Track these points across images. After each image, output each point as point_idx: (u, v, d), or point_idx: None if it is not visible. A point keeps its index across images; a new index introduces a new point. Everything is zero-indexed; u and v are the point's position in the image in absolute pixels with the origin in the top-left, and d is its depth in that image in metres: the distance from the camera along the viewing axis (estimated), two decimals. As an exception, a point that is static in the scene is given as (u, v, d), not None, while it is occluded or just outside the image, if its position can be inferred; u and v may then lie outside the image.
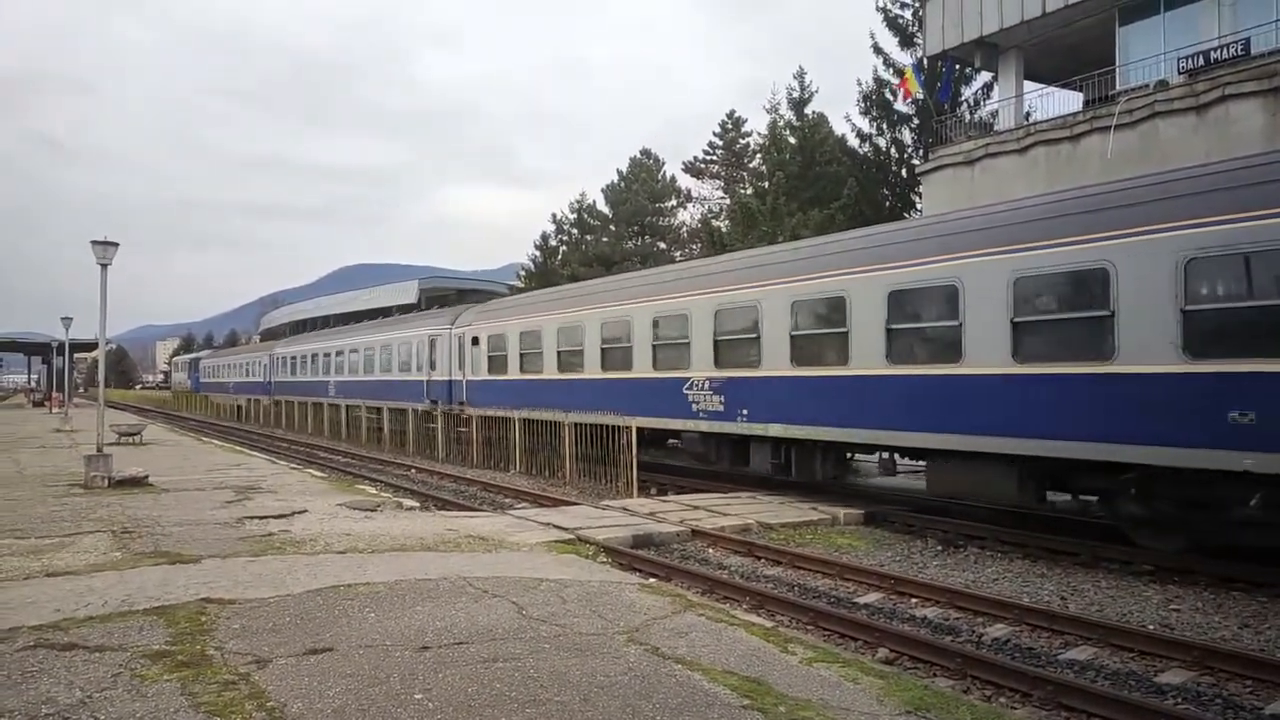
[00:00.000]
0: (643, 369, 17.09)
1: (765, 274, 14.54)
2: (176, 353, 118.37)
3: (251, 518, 11.64)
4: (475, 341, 23.91)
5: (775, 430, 13.87)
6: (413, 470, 22.21)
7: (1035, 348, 10.48)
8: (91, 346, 50.68)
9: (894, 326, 12.06)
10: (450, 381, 25.15)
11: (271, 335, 63.92)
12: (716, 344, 15.15)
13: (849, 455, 13.86)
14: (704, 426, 15.43)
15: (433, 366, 26.20)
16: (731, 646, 6.12)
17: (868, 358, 12.37)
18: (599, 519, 12.08)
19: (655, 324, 16.78)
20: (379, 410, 29.66)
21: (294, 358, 40.56)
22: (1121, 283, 9.63)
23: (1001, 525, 11.84)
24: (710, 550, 11.03)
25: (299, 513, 12.14)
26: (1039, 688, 6.14)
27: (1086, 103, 25.23)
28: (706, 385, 15.37)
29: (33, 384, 75.38)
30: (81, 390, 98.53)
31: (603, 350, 18.42)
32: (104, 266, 16.22)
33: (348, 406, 32.82)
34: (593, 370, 18.70)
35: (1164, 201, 9.60)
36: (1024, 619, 7.91)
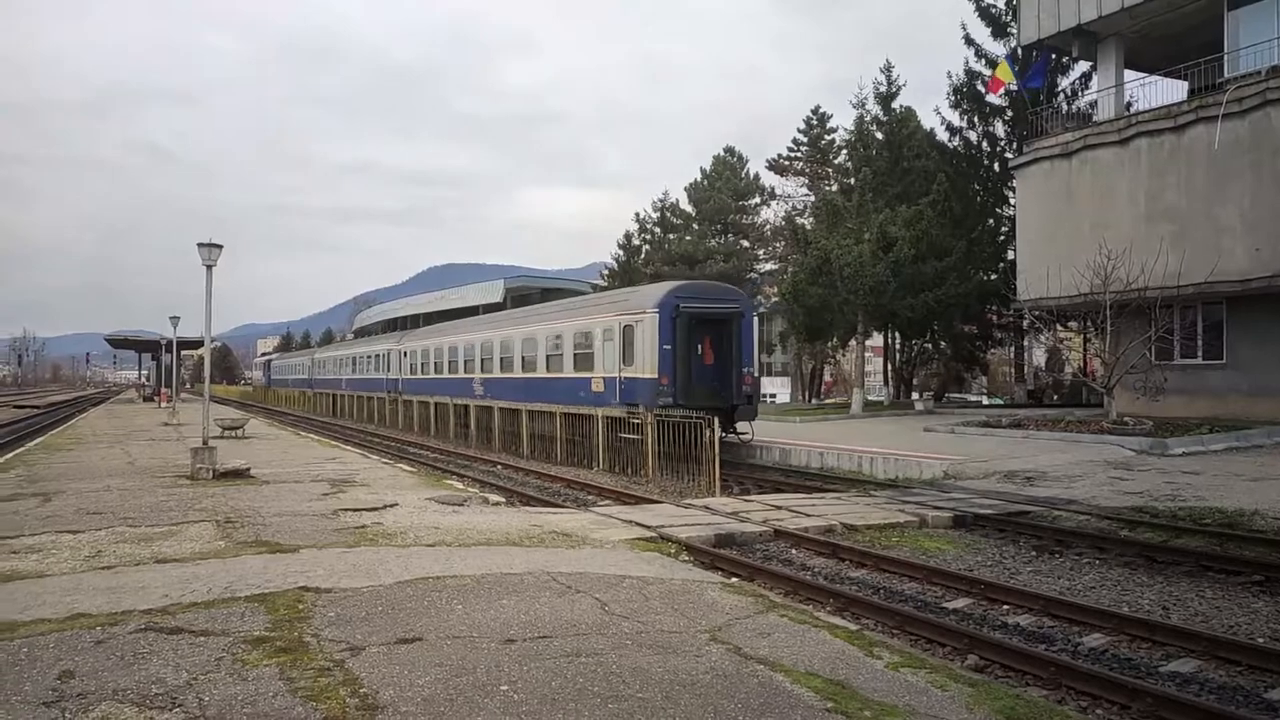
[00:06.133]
0: (463, 373, 31.09)
1: (514, 323, 28.22)
2: (276, 350, 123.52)
3: (346, 510, 12.01)
4: (405, 354, 38.77)
5: (501, 404, 27.24)
6: (498, 466, 22.61)
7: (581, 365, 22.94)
8: (198, 344, 52.97)
9: (551, 354, 24.57)
10: (396, 379, 39.67)
11: (364, 333, 66.00)
12: (495, 359, 28.37)
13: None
14: (479, 401, 29.06)
15: (388, 369, 40.92)
16: (815, 648, 6.06)
17: (546, 368, 24.86)
18: (681, 517, 12.09)
19: (469, 348, 30.78)
20: (370, 397, 43.70)
21: (323, 360, 57.82)
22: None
23: (1102, 532, 11.43)
24: (793, 551, 10.93)
25: (390, 506, 12.47)
26: (1138, 699, 5.90)
27: (1192, 91, 24.08)
28: (479, 384, 29.28)
29: (143, 380, 79.16)
30: (188, 386, 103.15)
31: (448, 360, 32.99)
32: (209, 268, 16.93)
33: (353, 395, 47.35)
34: (444, 374, 33.29)
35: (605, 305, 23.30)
36: (1122, 629, 7.61)
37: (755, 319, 21.29)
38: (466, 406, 29.93)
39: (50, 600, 6.98)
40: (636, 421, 19.53)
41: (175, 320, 34.89)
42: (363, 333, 67.49)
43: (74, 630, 6.14)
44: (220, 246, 17.01)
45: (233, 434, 26.38)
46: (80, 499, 12.91)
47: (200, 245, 16.89)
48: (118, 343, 70.04)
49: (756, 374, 21.77)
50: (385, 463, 20.45)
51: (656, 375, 19.44)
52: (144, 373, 79.55)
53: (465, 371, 30.86)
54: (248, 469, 15.98)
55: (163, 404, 48.10)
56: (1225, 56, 23.01)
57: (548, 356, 24.66)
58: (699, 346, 20.35)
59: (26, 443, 26.33)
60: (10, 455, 21.39)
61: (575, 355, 23.09)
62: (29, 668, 5.36)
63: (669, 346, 19.55)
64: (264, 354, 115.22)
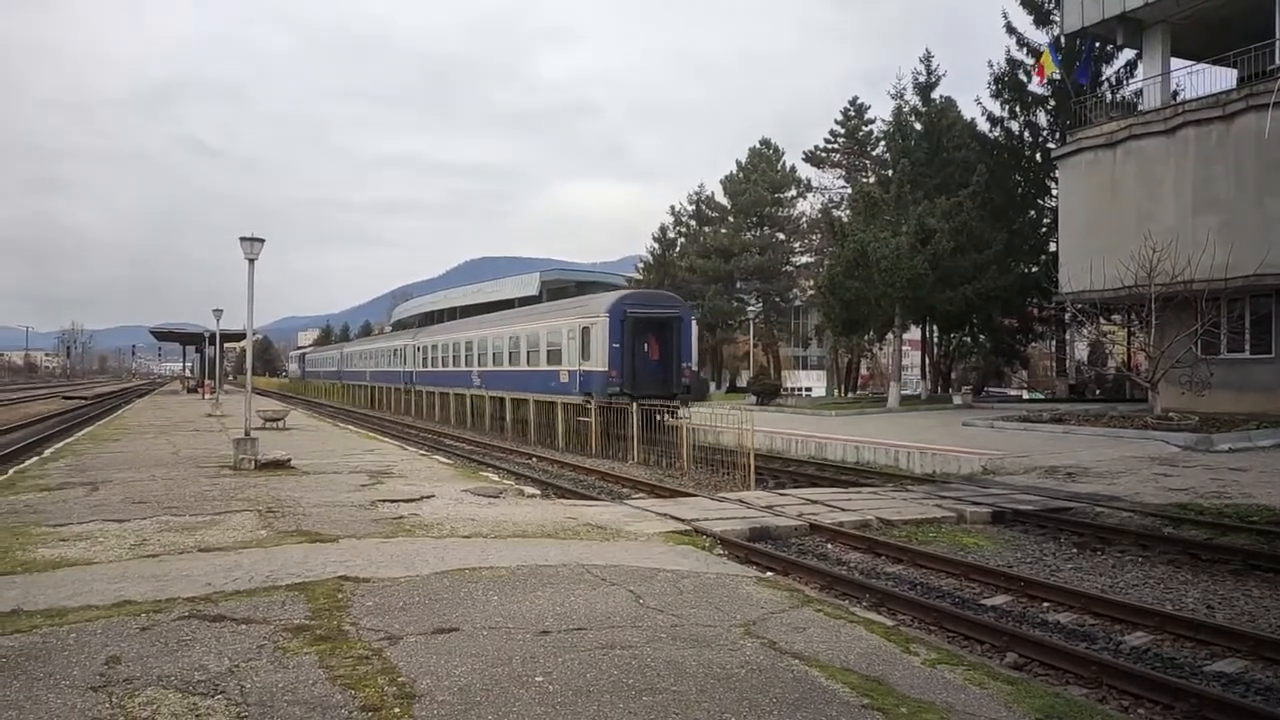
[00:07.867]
0: (464, 366, 35.41)
1: (501, 322, 33.77)
2: (315, 343, 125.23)
3: (384, 501, 12.14)
4: (418, 349, 42.89)
5: (495, 393, 31.90)
6: (534, 459, 22.74)
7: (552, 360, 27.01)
8: (240, 337, 53.84)
9: (530, 350, 28.82)
10: (410, 372, 44.00)
11: (401, 325, 66.81)
12: (489, 354, 32.71)
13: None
14: (476, 391, 33.70)
15: (404, 362, 45.18)
16: (851, 644, 6.02)
17: (527, 362, 29.02)
18: (716, 511, 12.08)
19: (469, 344, 35.03)
20: (392, 389, 48.04)
21: (350, 354, 64.08)
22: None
23: (1145, 529, 11.24)
24: (829, 546, 10.87)
25: (427, 497, 12.59)
26: (1182, 700, 5.80)
27: (1241, 79, 23.52)
28: (477, 376, 33.55)
29: (187, 371, 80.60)
30: (231, 378, 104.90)
31: (452, 355, 37.31)
32: (251, 262, 17.17)
33: (376, 387, 52.34)
34: (449, 367, 37.54)
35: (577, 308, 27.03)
36: (1165, 628, 7.48)
37: (694, 322, 26.20)
38: (469, 396, 34.88)
39: (97, 587, 7.13)
40: (589, 406, 24.01)
41: (219, 313, 35.37)
42: (400, 325, 68.29)
43: (120, 617, 6.27)
44: (262, 240, 17.24)
45: (274, 425, 26.76)
46: (126, 488, 13.18)
47: (242, 239, 17.13)
48: (162, 335, 71.33)
49: (695, 368, 26.46)
50: (422, 454, 20.64)
51: (607, 369, 23.60)
52: (188, 365, 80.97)
53: (466, 365, 35.35)
54: (289, 460, 16.21)
55: (206, 396, 48.92)
56: (1277, 43, 22.44)
57: (528, 352, 28.98)
58: (645, 345, 24.38)
59: (75, 433, 26.96)
60: (59, 445, 21.91)
61: (548, 351, 27.19)
62: (77, 653, 5.49)
63: (617, 345, 23.67)
64: (298, 348, 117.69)
